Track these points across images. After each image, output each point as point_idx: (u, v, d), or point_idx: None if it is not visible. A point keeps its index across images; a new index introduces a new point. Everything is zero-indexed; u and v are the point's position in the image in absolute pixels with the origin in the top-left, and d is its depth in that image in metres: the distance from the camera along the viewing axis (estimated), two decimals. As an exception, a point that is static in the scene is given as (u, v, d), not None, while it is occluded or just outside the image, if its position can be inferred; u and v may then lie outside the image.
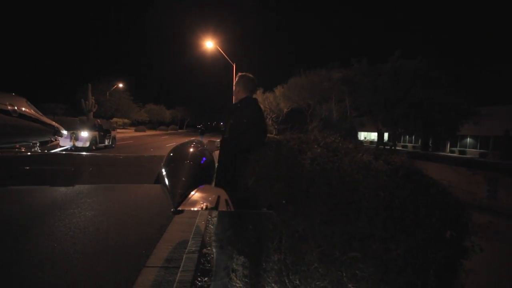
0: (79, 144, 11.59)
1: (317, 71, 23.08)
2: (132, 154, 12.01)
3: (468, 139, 23.69)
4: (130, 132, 34.01)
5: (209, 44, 20.82)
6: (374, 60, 14.08)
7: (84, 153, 2.86)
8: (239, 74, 2.14)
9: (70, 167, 2.08)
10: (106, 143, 13.75)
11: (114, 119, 34.49)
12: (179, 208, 1.18)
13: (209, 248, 2.98)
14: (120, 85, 36.94)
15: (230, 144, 1.93)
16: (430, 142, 20.78)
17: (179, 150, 1.95)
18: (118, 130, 16.97)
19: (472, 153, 22.86)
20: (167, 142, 20.84)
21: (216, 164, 1.93)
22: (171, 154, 1.84)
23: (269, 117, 35.58)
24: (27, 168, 2.03)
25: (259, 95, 35.08)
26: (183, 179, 1.39)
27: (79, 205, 4.40)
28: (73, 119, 13.27)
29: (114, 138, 14.87)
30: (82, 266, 2.59)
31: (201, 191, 1.33)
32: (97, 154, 2.67)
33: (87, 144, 11.86)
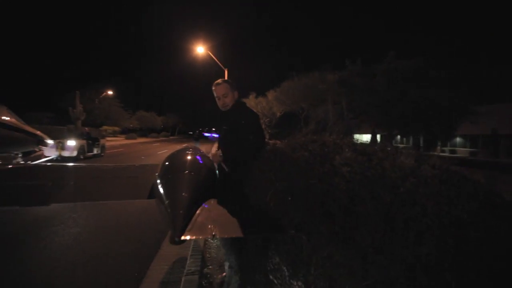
0: (65, 153, 11.06)
1: (309, 74, 23.11)
2: (122, 162, 11.55)
3: (458, 139, 24.09)
4: (120, 140, 33.21)
5: (200, 50, 20.61)
6: (368, 61, 14.17)
7: (66, 163, 2.52)
8: (222, 80, 2.05)
9: (47, 181, 1.76)
10: (95, 152, 13.23)
11: (104, 127, 33.68)
12: (183, 238, 0.90)
13: (210, 267, 2.66)
14: (110, 92, 36.21)
15: (230, 152, 1.82)
16: (421, 142, 21.09)
17: (176, 158, 1.69)
18: (108, 138, 16.40)
19: (463, 152, 23.24)
20: (158, 149, 20.36)
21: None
22: (167, 163, 1.58)
23: (262, 121, 35.33)
24: None
25: (251, 100, 35.00)
26: (185, 195, 1.13)
27: (63, 221, 4.00)
28: (60, 128, 12.72)
29: (103, 147, 14.36)
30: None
31: (207, 210, 1.07)
32: (81, 164, 2.35)
33: (75, 154, 11.33)
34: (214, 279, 2.46)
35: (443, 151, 24.35)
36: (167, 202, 1.11)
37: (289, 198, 1.07)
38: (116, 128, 42.06)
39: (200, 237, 0.86)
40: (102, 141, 14.14)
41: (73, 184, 1.81)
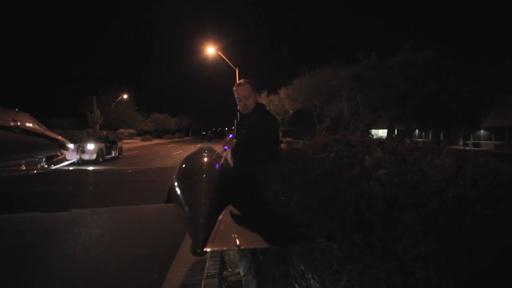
0: (85, 156, 11.48)
1: (321, 70, 22.67)
2: (139, 164, 11.83)
3: (482, 131, 22.81)
4: (136, 142, 34.12)
5: (210, 50, 20.74)
6: (383, 54, 13.67)
7: (86, 167, 2.56)
8: (244, 80, 1.96)
9: (67, 187, 1.77)
10: (113, 154, 13.64)
11: (120, 130, 34.71)
12: (206, 249, 0.84)
13: (229, 269, 2.62)
14: (125, 96, 37.23)
15: (247, 157, 1.77)
16: (442, 136, 20.23)
17: (193, 161, 1.68)
18: (125, 141, 16.87)
19: (487, 145, 22.00)
20: (173, 150, 20.71)
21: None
22: (184, 166, 1.55)
23: (274, 119, 35.15)
24: (10, 191, 1.71)
25: (263, 98, 34.86)
26: (205, 201, 1.07)
27: (85, 223, 4.11)
28: (80, 132, 13.20)
29: (121, 149, 14.82)
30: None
31: (229, 218, 1.02)
32: (100, 168, 2.40)
33: (94, 157, 11.73)
34: (233, 282, 2.42)
35: (466, 145, 23.19)
36: (186, 208, 1.06)
37: (317, 205, 0.99)
38: (132, 131, 43.24)
39: (224, 248, 0.80)
40: (119, 143, 14.59)
41: (92, 189, 1.82)
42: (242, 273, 2.07)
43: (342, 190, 0.97)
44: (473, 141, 22.94)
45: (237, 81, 2.00)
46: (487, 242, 0.73)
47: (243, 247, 0.89)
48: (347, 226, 0.91)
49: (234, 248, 0.87)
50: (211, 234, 0.90)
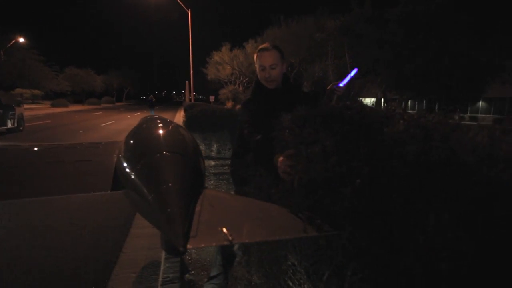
0: None
1: (301, 20, 22.59)
2: (53, 140, 10.92)
3: (481, 103, 25.44)
4: (44, 108, 31.29)
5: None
6: (379, 3, 13.91)
7: None
8: (271, 45, 1.90)
9: None
10: (9, 125, 12.18)
11: (18, 90, 31.22)
12: (189, 247, 0.83)
13: (193, 272, 2.67)
14: (21, 39, 32.83)
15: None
16: (436, 108, 22.28)
17: (147, 133, 1.60)
18: (26, 106, 15.16)
19: (485, 119, 24.71)
20: (102, 121, 19.52)
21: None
22: (133, 142, 1.48)
23: (238, 81, 34.78)
24: None
25: (224, 53, 33.96)
26: (176, 186, 1.03)
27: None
28: None
29: (21, 118, 13.34)
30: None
31: (211, 206, 1.01)
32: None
33: None
34: (199, 286, 2.48)
35: (461, 118, 25.82)
36: (151, 196, 1.01)
37: (327, 185, 1.04)
38: (37, 92, 39.16)
39: (214, 244, 0.78)
40: (18, 109, 12.98)
41: None
42: (216, 273, 2.14)
43: (356, 169, 1.01)
44: (470, 115, 25.60)
45: (262, 45, 1.92)
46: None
47: (236, 242, 0.89)
48: (360, 214, 0.96)
49: (226, 243, 0.87)
50: (191, 227, 0.88)
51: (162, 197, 0.99)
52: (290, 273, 1.35)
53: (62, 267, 2.85)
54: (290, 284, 1.35)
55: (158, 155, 1.21)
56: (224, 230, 0.89)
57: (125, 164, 1.29)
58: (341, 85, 1.91)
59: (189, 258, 2.91)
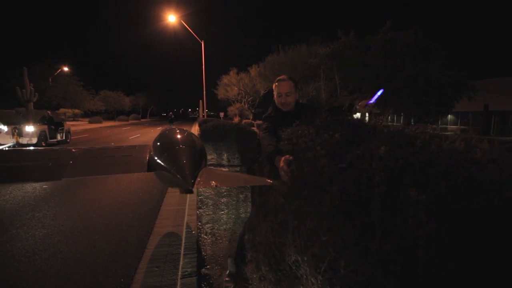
0: (23, 140, 10.41)
1: (297, 47, 22.78)
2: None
3: (449, 116, 25.28)
4: (83, 124, 31.59)
5: (172, 19, 19.46)
6: (363, 32, 13.99)
7: (54, 147, 2.63)
8: (287, 76, 2.03)
9: (47, 162, 2.00)
10: (59, 138, 12.55)
11: (61, 110, 31.60)
12: (194, 188, 1.29)
13: (208, 267, 2.59)
14: (65, 68, 33.61)
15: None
16: (412, 121, 22.22)
17: (168, 137, 1.95)
18: (68, 123, 15.40)
19: (454, 130, 24.54)
20: (130, 134, 19.62)
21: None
22: (159, 143, 1.84)
23: (244, 100, 34.98)
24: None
25: (232, 76, 34.29)
26: (188, 162, 1.45)
27: (25, 223, 3.72)
28: (8, 111, 11.73)
29: (68, 132, 13.74)
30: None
31: (207, 171, 1.51)
32: (60, 148, 2.38)
33: (34, 140, 10.69)
34: (214, 280, 2.39)
35: (434, 129, 25.60)
36: (173, 169, 1.41)
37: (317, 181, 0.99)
38: (76, 111, 39.77)
39: (207, 186, 1.41)
40: (66, 125, 13.44)
41: (71, 163, 1.95)
42: (231, 269, 2.08)
43: (342, 170, 0.98)
44: (441, 126, 25.39)
45: (280, 76, 2.04)
46: (494, 229, 0.77)
47: (218, 186, 1.08)
48: (342, 207, 0.92)
49: (212, 186, 1.09)
50: (195, 180, 1.35)
51: (181, 168, 1.41)
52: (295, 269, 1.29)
53: (98, 260, 2.79)
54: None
55: (177, 147, 1.63)
56: (213, 182, 1.43)
57: (156, 155, 1.66)
58: (370, 102, 1.94)
59: (205, 254, 2.83)
